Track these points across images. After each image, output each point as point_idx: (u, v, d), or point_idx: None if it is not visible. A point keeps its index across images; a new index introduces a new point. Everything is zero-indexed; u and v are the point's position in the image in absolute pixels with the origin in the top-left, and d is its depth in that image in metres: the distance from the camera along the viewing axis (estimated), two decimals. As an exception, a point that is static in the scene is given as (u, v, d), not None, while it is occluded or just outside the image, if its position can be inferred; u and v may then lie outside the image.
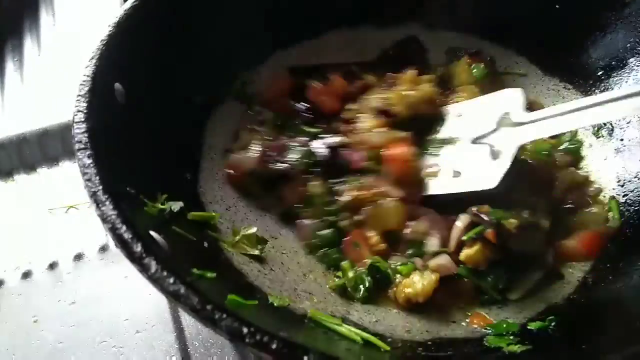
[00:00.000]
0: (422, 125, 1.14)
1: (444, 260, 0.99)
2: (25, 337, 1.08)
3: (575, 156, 1.17)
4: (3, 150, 1.36)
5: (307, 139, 1.14)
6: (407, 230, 1.04)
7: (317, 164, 1.10)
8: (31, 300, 1.14)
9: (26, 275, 1.18)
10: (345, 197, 1.06)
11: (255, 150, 1.12)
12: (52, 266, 1.19)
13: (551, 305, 0.96)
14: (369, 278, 0.98)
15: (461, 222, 1.00)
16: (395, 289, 0.97)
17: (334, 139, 1.12)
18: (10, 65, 1.60)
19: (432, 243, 1.02)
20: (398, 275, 0.99)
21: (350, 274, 0.99)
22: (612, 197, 1.09)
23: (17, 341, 1.07)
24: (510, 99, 1.08)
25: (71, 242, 1.22)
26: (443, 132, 1.15)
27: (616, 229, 1.04)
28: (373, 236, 1.03)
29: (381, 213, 1.04)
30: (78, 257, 1.21)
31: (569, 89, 1.24)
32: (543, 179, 1.11)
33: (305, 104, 1.21)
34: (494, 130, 1.06)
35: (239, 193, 1.11)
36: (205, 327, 1.04)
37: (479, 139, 1.08)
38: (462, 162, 1.07)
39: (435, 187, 1.07)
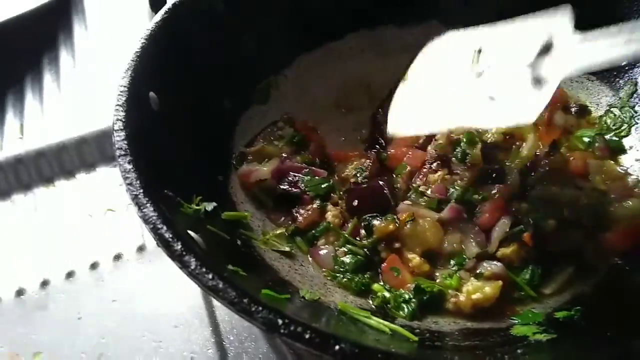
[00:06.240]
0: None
1: (499, 269, 0.98)
2: (70, 333, 1.14)
3: (616, 147, 1.16)
4: (43, 158, 1.43)
5: (321, 170, 1.14)
6: (445, 245, 1.03)
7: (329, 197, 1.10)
8: (75, 298, 1.20)
9: (70, 275, 1.24)
10: (382, 228, 1.02)
11: (269, 164, 1.14)
12: (94, 266, 1.25)
13: (577, 294, 0.96)
14: (415, 300, 0.95)
15: (503, 223, 1.01)
16: (455, 300, 0.95)
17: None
18: (47, 77, 1.67)
19: (471, 248, 1.01)
20: (450, 290, 0.97)
21: (387, 295, 0.97)
22: None
23: (63, 337, 1.13)
24: (558, 19, 0.95)
25: (110, 243, 1.28)
26: (482, 59, 1.02)
27: None
28: (414, 258, 1.01)
29: (420, 232, 1.02)
30: (117, 257, 1.26)
31: (592, 81, 1.24)
32: (578, 171, 1.09)
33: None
34: (541, 55, 0.94)
35: (252, 201, 1.11)
36: (242, 320, 1.11)
37: (519, 65, 0.95)
38: (502, 92, 0.95)
39: (473, 120, 0.98)
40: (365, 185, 1.12)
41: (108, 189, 1.37)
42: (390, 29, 1.37)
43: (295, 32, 1.29)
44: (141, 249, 1.27)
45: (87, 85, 1.60)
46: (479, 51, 1.02)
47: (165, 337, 1.11)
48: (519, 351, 0.81)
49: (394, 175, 1.15)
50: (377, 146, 1.23)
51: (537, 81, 0.92)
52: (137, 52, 0.99)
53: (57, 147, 1.42)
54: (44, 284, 1.24)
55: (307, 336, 0.67)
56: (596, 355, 0.66)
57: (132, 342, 1.11)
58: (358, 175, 1.16)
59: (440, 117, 1.02)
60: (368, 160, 1.17)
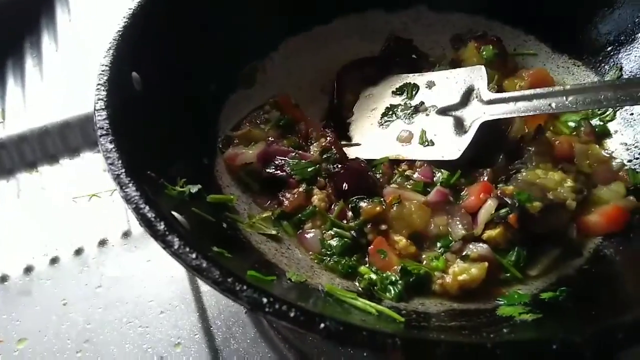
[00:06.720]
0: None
1: (485, 251, 0.98)
2: (55, 319, 1.13)
3: (602, 131, 1.17)
4: (26, 143, 1.41)
5: (308, 154, 1.13)
6: (431, 227, 1.03)
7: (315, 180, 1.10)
8: (60, 284, 1.19)
9: (54, 261, 1.23)
10: (369, 210, 1.02)
11: (255, 147, 1.13)
12: (78, 252, 1.24)
13: (563, 276, 0.97)
14: (401, 282, 0.95)
15: (489, 205, 1.00)
16: (441, 281, 0.96)
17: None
18: (29, 62, 1.65)
19: (457, 231, 1.01)
20: (436, 272, 0.97)
21: (373, 277, 0.97)
22: (633, 170, 1.08)
23: (48, 323, 1.12)
24: (476, 75, 1.16)
25: (95, 229, 1.27)
26: (415, 100, 1.23)
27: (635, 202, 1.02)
28: (400, 240, 1.01)
29: (407, 214, 1.02)
30: (102, 243, 1.25)
31: (578, 66, 1.25)
32: (564, 154, 1.10)
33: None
34: (460, 104, 1.15)
35: (237, 185, 1.10)
36: (229, 305, 1.10)
37: (446, 110, 1.16)
38: (432, 132, 1.15)
39: (408, 152, 1.15)
40: (348, 168, 1.11)
41: (92, 174, 1.36)
42: (378, 13, 1.36)
43: (282, 15, 1.27)
44: (126, 234, 1.26)
45: (70, 70, 1.58)
46: (414, 87, 1.25)
47: (152, 323, 1.11)
48: (504, 330, 0.81)
49: (373, 168, 1.14)
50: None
51: (459, 127, 1.12)
52: (119, 31, 0.97)
53: (40, 132, 1.41)
54: (28, 270, 1.22)
55: (292, 315, 0.66)
56: (581, 332, 0.66)
57: (118, 327, 1.10)
58: (330, 158, 1.13)
59: (384, 149, 1.18)
60: (328, 139, 1.16)
